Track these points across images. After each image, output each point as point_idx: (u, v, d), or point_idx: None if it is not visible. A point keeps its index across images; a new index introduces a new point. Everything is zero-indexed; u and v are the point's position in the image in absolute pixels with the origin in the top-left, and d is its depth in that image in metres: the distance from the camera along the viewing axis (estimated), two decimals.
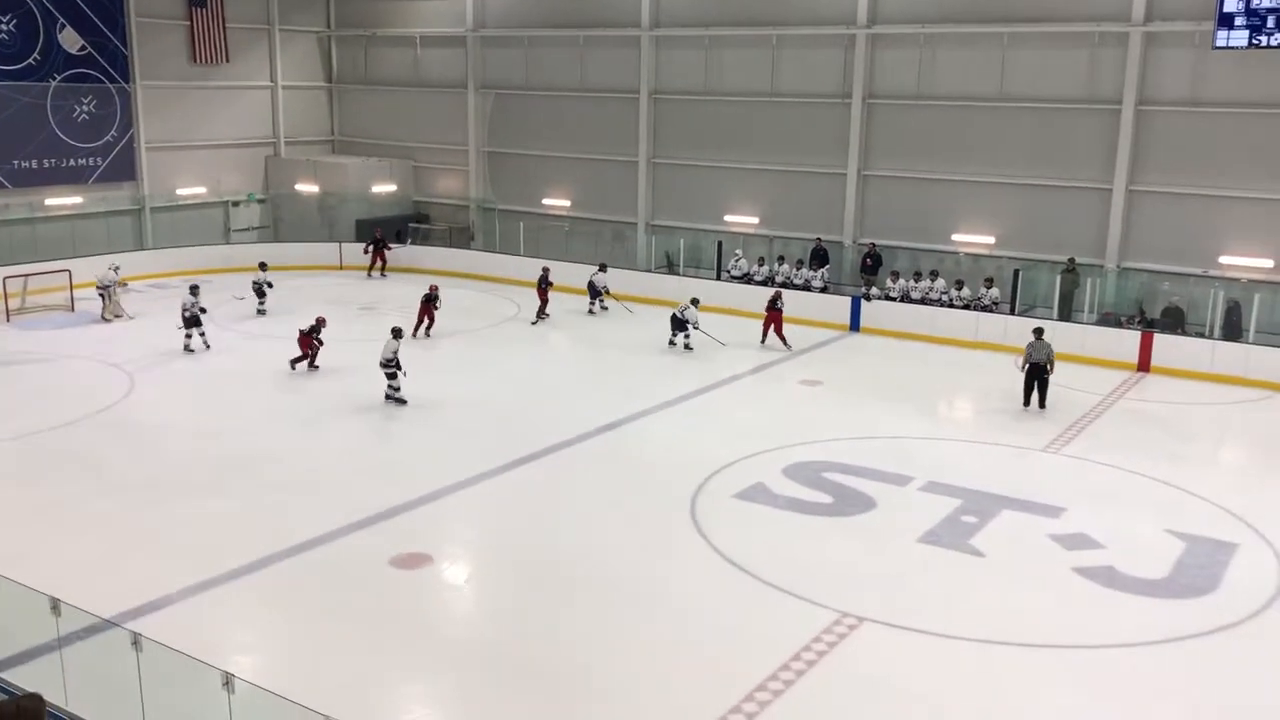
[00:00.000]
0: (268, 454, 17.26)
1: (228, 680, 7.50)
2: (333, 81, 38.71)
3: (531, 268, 29.49)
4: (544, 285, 27.51)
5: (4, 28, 29.68)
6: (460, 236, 35.83)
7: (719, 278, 29.74)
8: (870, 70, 28.41)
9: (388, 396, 19.91)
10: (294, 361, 21.97)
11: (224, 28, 34.62)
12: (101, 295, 26.34)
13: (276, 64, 36.70)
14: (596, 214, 33.42)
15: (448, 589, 13.35)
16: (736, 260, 29.83)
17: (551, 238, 33.25)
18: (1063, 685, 10.82)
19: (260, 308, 27.06)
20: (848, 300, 27.16)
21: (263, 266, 27.44)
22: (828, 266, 28.82)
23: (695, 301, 24.87)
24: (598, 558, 13.70)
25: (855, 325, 26.85)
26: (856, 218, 29.17)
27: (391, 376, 19.82)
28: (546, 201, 34.37)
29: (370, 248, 32.24)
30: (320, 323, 22.10)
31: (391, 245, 32.80)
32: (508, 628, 11.97)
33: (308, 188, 36.14)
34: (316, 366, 21.99)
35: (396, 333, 20.06)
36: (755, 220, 30.73)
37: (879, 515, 15.23)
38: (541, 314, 27.21)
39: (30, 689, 6.74)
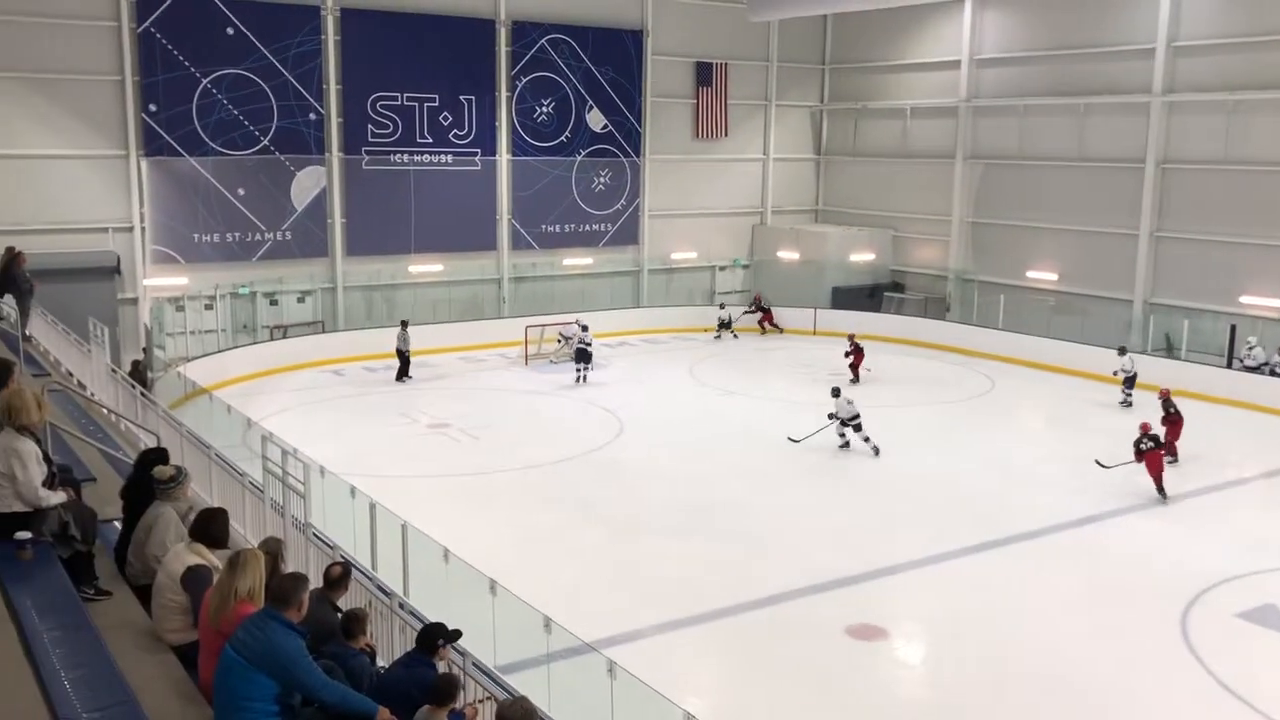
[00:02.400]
0: (735, 505, 17.94)
1: None
2: (820, 153, 40.00)
3: (1011, 343, 28.28)
4: (853, 350, 27.27)
5: (544, 110, 34.11)
6: (935, 307, 35.23)
7: (1229, 366, 26.51)
8: None
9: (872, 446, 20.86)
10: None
11: (726, 105, 37.16)
12: (560, 341, 29.54)
13: (770, 137, 38.68)
14: (1086, 289, 31.28)
15: (901, 667, 12.97)
16: (1250, 348, 26.35)
17: (1034, 312, 31.63)
18: None
19: (730, 333, 33.25)
20: None
21: (757, 305, 33.73)
22: None
23: None
24: (1064, 664, 12.59)
25: None
26: None
27: (858, 429, 20.85)
28: (1031, 274, 32.79)
29: (754, 308, 35.14)
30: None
31: (767, 308, 35.12)
32: None
33: (788, 255, 37.52)
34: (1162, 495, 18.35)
35: (836, 392, 21.46)
36: None
37: None
38: (856, 377, 26.95)
39: (523, 694, 7.47)
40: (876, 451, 20.71)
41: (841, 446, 21.03)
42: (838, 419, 20.94)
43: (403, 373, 27.08)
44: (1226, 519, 17.93)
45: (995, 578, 15.24)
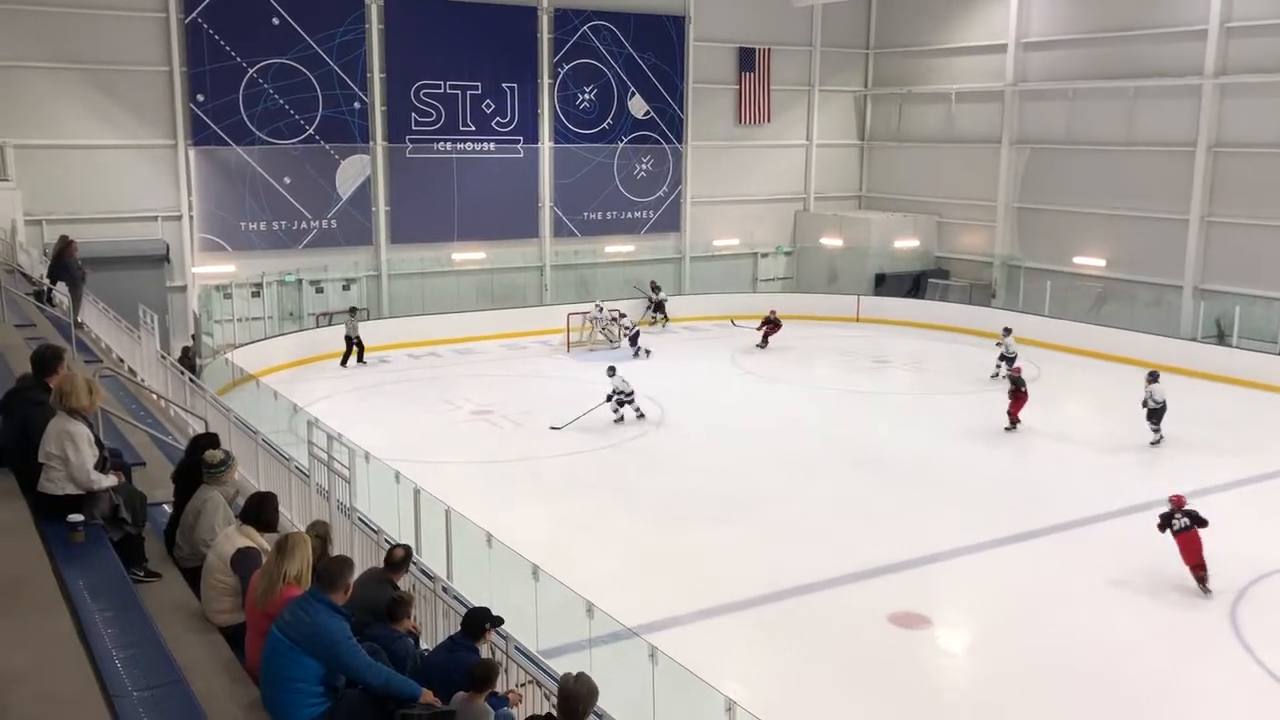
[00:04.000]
0: (775, 492, 17.91)
1: (730, 706, 7.82)
2: (864, 139, 39.63)
3: (1056, 330, 27.96)
4: (769, 324, 29.43)
5: (586, 97, 34.09)
6: (981, 294, 34.83)
7: None
8: None
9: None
10: None
11: (768, 90, 36.90)
12: (591, 324, 29.87)
13: (813, 123, 38.36)
14: (1135, 275, 30.80)
15: (944, 656, 12.90)
16: None
17: (1080, 298, 31.19)
18: None
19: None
20: None
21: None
22: None
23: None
24: (1111, 654, 12.45)
25: None
26: None
27: (630, 403, 21.94)
28: (1078, 260, 32.31)
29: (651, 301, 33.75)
30: None
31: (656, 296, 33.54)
32: (1002, 713, 11.26)
33: (831, 242, 37.24)
34: None
35: (611, 371, 22.35)
36: None
37: None
38: (764, 344, 29.45)
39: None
40: (641, 415, 21.92)
41: (616, 421, 21.82)
42: (615, 397, 21.83)
43: (347, 357, 27.21)
44: (1277, 509, 17.60)
45: (1040, 566, 15.09)
